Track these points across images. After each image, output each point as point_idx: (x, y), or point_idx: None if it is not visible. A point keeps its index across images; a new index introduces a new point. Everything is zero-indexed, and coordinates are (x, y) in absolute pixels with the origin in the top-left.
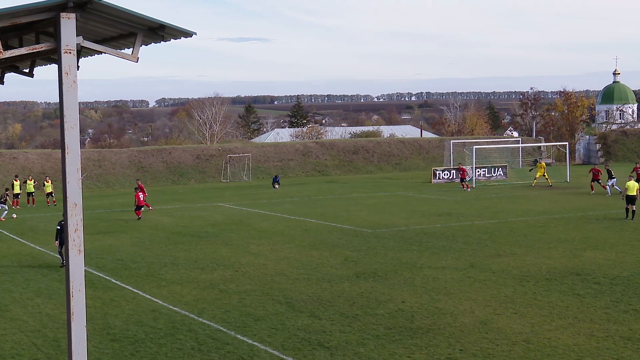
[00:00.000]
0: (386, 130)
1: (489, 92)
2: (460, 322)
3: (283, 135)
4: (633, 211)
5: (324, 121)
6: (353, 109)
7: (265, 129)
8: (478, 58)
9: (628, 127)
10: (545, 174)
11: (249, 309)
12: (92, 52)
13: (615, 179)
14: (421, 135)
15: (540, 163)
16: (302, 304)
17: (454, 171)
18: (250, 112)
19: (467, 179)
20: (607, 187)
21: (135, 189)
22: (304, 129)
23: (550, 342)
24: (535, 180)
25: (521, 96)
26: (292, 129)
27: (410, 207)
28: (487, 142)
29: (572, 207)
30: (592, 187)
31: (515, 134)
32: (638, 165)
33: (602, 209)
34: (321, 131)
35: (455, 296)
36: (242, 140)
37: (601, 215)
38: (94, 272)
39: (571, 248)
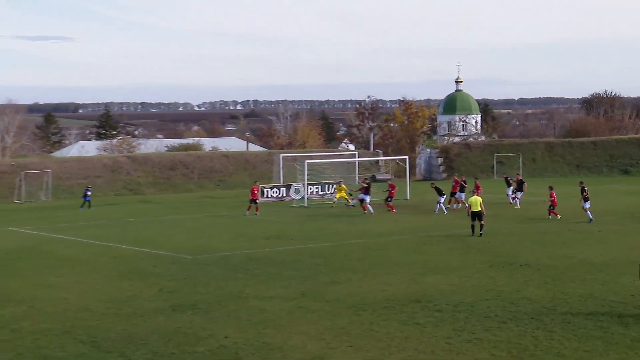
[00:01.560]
0: (208, 143)
1: (323, 100)
2: (291, 358)
3: (89, 148)
4: (481, 225)
5: (136, 132)
6: (170, 119)
7: (68, 141)
8: (309, 63)
9: (471, 139)
10: (345, 195)
11: (46, 351)
12: None
13: (444, 196)
14: (247, 149)
15: (340, 185)
16: (110, 343)
17: (284, 189)
18: (50, 122)
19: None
20: (438, 205)
21: None
22: (114, 142)
23: None
24: (334, 202)
25: (357, 105)
26: (99, 142)
27: (235, 230)
28: (321, 155)
29: (413, 227)
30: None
31: (352, 146)
32: (477, 182)
33: (445, 229)
34: (133, 144)
35: (284, 329)
36: (40, 154)
37: (443, 235)
38: None
39: (411, 273)
